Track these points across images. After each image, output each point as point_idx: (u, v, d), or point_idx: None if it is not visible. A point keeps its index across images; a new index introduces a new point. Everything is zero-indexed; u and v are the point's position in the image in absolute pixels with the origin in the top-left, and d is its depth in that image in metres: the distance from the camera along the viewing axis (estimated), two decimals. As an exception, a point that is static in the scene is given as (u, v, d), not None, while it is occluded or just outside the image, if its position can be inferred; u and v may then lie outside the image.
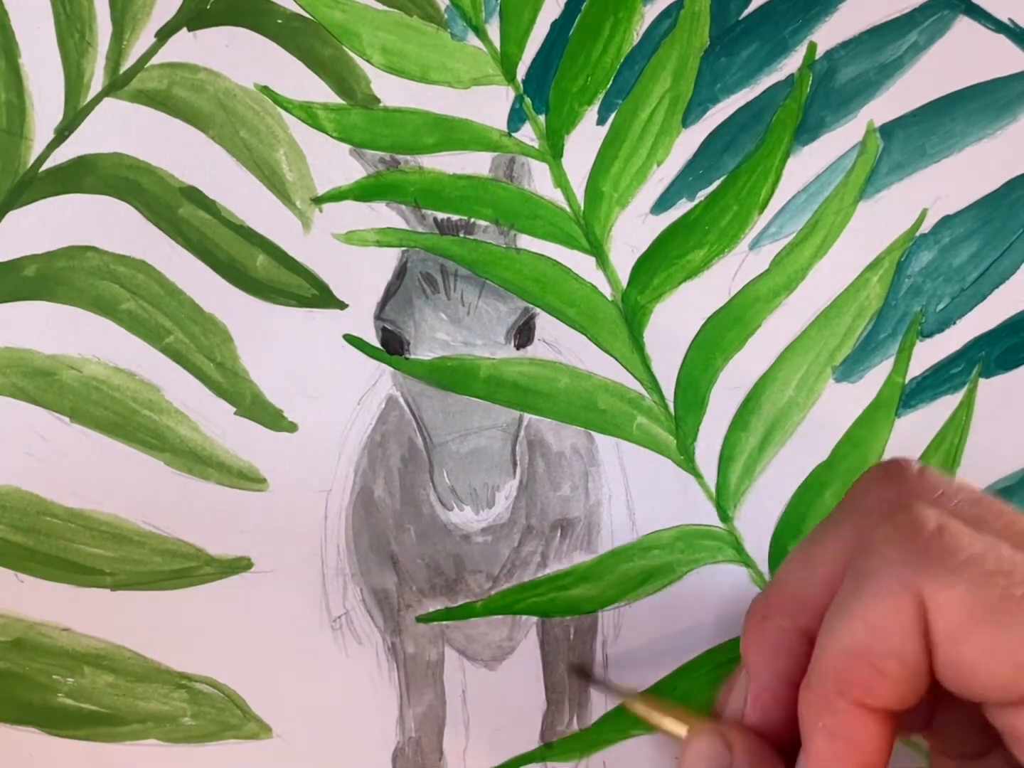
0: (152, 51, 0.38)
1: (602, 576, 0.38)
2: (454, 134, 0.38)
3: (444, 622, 0.38)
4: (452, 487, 0.37)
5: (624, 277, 0.38)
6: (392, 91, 0.38)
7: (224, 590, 0.37)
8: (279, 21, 0.38)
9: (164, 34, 0.38)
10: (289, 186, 0.38)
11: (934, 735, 0.30)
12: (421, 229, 0.38)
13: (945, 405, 0.39)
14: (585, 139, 0.38)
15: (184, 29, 0.38)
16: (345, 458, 0.38)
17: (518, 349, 0.38)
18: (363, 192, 0.38)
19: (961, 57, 0.39)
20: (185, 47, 0.38)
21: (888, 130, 0.39)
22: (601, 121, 0.39)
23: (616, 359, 0.38)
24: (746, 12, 0.39)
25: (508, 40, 0.38)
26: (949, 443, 0.39)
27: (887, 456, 0.38)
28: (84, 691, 0.36)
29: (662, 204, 0.39)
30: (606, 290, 0.38)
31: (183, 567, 0.37)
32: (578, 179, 0.38)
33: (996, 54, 0.40)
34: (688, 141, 0.39)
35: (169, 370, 0.37)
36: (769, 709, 0.28)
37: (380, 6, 0.38)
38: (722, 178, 0.39)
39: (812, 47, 0.39)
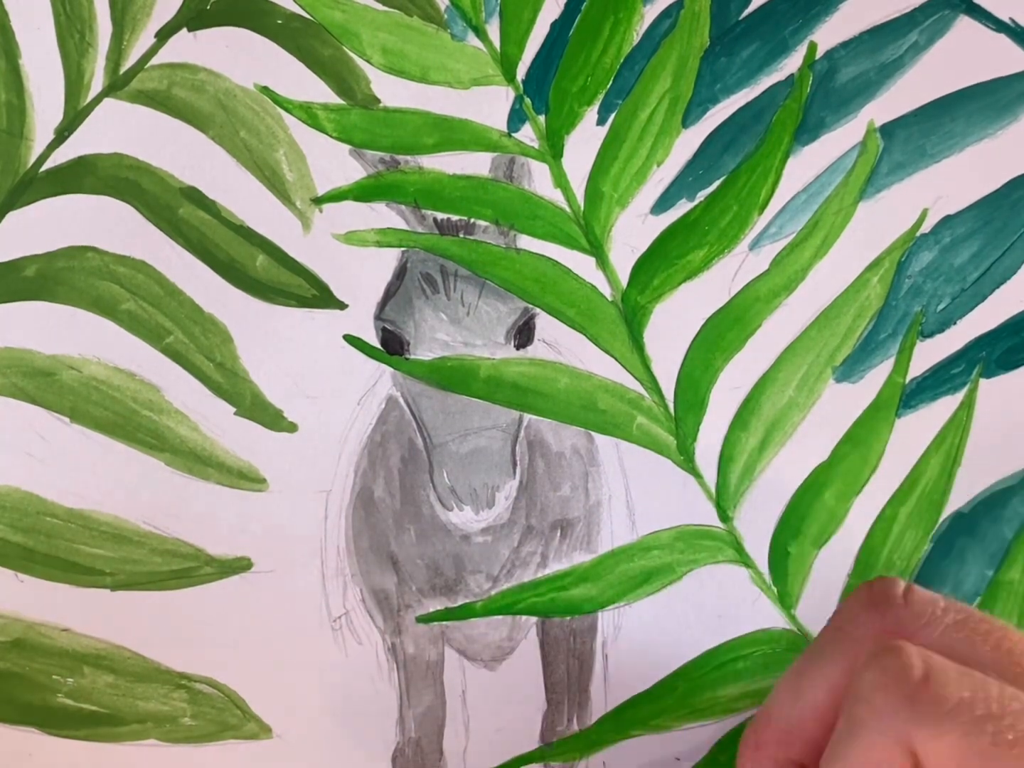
0: (152, 51, 0.38)
1: (602, 576, 0.38)
2: (454, 134, 0.38)
3: (444, 622, 0.38)
4: (452, 487, 0.37)
5: (624, 277, 0.38)
6: (392, 91, 0.38)
7: (224, 590, 0.37)
8: (279, 21, 0.38)
9: (164, 34, 0.38)
10: (289, 186, 0.38)
11: None
12: (421, 229, 0.38)
13: (945, 405, 0.39)
14: (585, 139, 0.38)
15: (184, 29, 0.38)
16: (345, 458, 0.38)
17: (518, 349, 0.38)
18: (363, 192, 0.38)
19: (962, 57, 0.39)
20: (185, 47, 0.38)
21: (888, 130, 0.39)
22: (601, 121, 0.39)
23: (616, 359, 0.38)
24: (746, 12, 0.39)
25: (508, 40, 0.38)
26: (949, 443, 0.39)
27: (887, 456, 0.38)
28: (84, 691, 0.36)
29: (662, 204, 0.39)
30: (606, 290, 0.38)
31: (183, 567, 0.37)
32: (578, 179, 0.38)
33: (997, 54, 0.40)
34: (688, 141, 0.39)
35: (169, 370, 0.37)
36: None
37: (380, 6, 0.38)
38: (722, 178, 0.39)
39: (812, 47, 0.39)
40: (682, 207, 0.39)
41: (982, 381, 0.39)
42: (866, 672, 0.26)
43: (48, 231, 0.37)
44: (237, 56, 0.38)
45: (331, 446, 0.37)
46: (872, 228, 0.39)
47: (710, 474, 0.38)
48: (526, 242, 0.38)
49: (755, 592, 0.38)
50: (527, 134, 0.38)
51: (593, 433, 0.38)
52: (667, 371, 0.38)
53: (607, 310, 0.38)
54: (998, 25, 0.40)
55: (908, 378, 0.39)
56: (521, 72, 0.38)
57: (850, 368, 0.39)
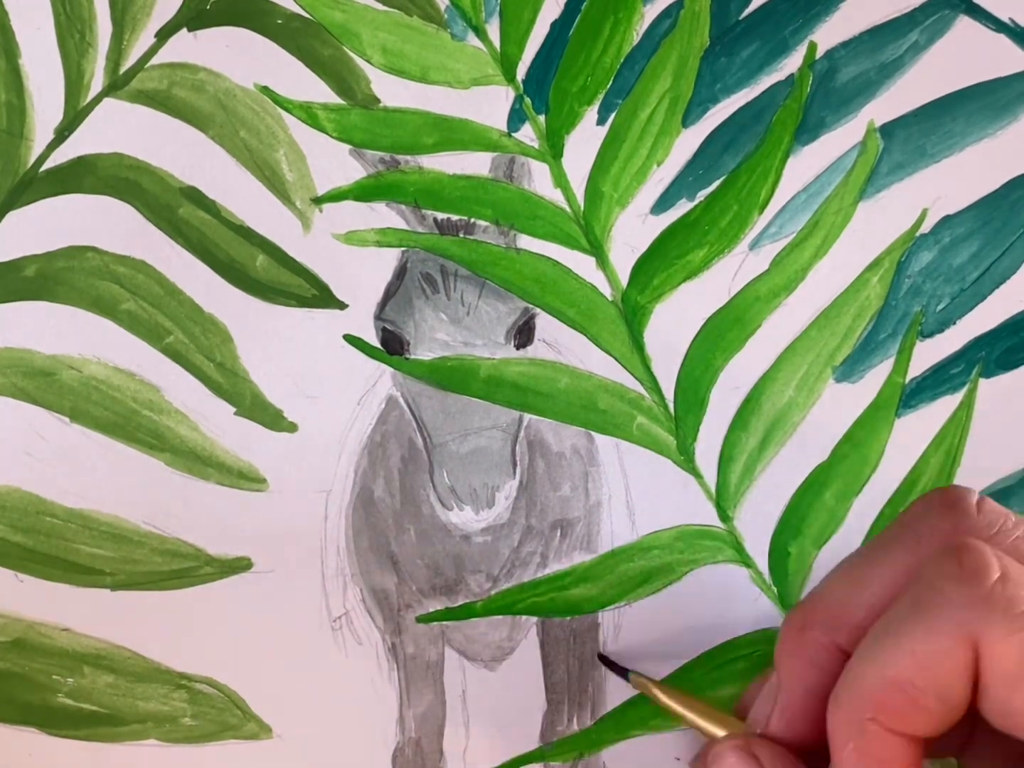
0: (152, 51, 0.38)
1: (602, 576, 0.38)
2: (454, 134, 0.38)
3: (444, 622, 0.38)
4: (452, 487, 0.37)
5: (624, 277, 0.38)
6: (392, 91, 0.38)
7: (224, 590, 0.37)
8: (279, 21, 0.38)
9: (164, 34, 0.38)
10: (289, 186, 0.38)
11: (967, 758, 0.30)
12: (421, 229, 0.38)
13: (945, 405, 0.39)
14: (585, 139, 0.38)
15: (184, 29, 0.38)
16: (345, 458, 0.38)
17: (518, 349, 0.38)
18: (363, 192, 0.38)
19: (961, 57, 0.39)
20: (185, 47, 0.38)
21: (888, 130, 0.39)
22: (601, 121, 0.39)
23: (616, 359, 0.38)
24: (746, 12, 0.39)
25: (508, 40, 0.38)
26: (949, 443, 0.39)
27: (887, 456, 0.38)
28: (84, 691, 0.36)
29: (662, 204, 0.39)
30: (606, 290, 0.38)
31: (183, 567, 0.37)
32: (578, 179, 0.38)
33: (997, 54, 0.40)
34: (688, 141, 0.39)
35: (169, 370, 0.37)
36: (796, 720, 0.28)
37: (380, 6, 0.38)
38: (722, 178, 0.39)
39: (812, 47, 0.39)
40: (682, 207, 0.39)
41: (981, 381, 0.39)
42: (939, 563, 0.25)
43: (48, 231, 0.37)
44: (237, 56, 0.38)
45: (331, 446, 0.37)
46: (872, 228, 0.39)
47: (710, 474, 0.38)
48: (526, 242, 0.38)
49: (755, 592, 0.38)
50: (527, 134, 0.38)
51: (593, 433, 0.38)
52: (667, 371, 0.38)
53: (607, 310, 0.38)
54: (998, 25, 0.40)
55: (908, 378, 0.39)
56: (521, 72, 0.38)
57: (850, 368, 0.39)
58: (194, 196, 0.37)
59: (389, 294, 0.38)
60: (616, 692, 0.38)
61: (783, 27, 0.39)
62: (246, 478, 0.37)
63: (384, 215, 0.38)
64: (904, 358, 0.39)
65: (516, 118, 0.38)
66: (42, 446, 0.37)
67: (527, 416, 0.38)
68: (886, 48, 0.39)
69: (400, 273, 0.38)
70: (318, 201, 0.38)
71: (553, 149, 0.38)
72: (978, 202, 0.39)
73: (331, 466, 0.37)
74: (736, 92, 0.39)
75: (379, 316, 0.38)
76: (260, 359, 0.37)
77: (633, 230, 0.38)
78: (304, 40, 0.38)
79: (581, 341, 0.38)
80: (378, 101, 0.38)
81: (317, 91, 0.38)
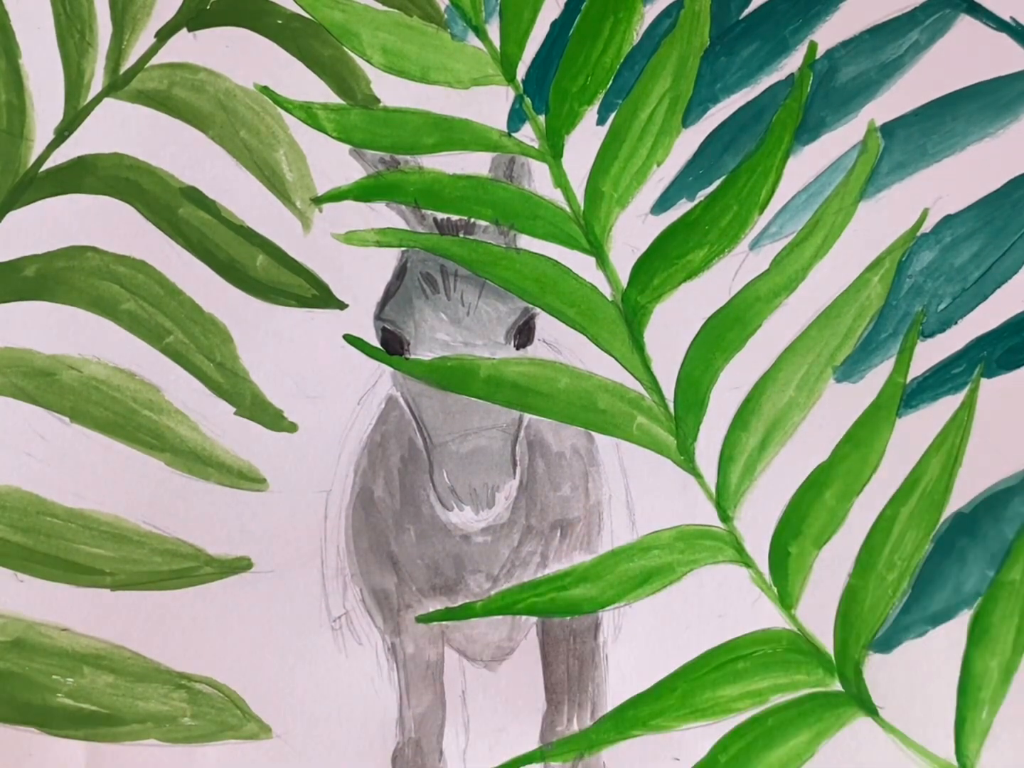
0: (152, 51, 0.38)
1: (602, 576, 0.38)
2: (454, 134, 0.38)
3: (444, 622, 0.38)
4: (452, 487, 0.37)
5: (624, 277, 0.38)
6: (392, 91, 0.38)
7: (224, 590, 0.37)
8: (279, 21, 0.38)
9: (164, 34, 0.38)
10: (289, 186, 0.38)
11: None
12: (421, 229, 0.38)
13: (946, 405, 0.39)
14: (585, 139, 0.38)
15: (184, 29, 0.38)
16: (345, 458, 0.38)
17: (518, 349, 0.38)
18: (363, 192, 0.38)
19: (962, 56, 0.39)
20: (185, 47, 0.38)
21: (889, 129, 0.39)
22: (601, 121, 0.38)
23: (616, 359, 0.38)
24: (746, 12, 0.39)
25: (508, 40, 0.38)
26: (950, 444, 0.38)
27: (888, 456, 0.38)
28: (84, 691, 0.36)
29: (662, 204, 0.38)
30: (606, 290, 0.38)
31: (183, 567, 0.37)
32: (578, 179, 0.38)
33: (997, 53, 0.39)
34: (688, 141, 0.39)
35: (169, 370, 0.37)
36: None
37: (380, 6, 0.38)
38: (722, 178, 0.38)
39: (813, 46, 0.39)
40: (682, 207, 0.39)
41: (983, 381, 0.39)
42: None
43: (48, 231, 0.37)
44: (237, 56, 0.38)
45: (331, 446, 0.38)
46: (873, 228, 0.39)
47: (710, 474, 0.38)
48: (526, 242, 0.38)
49: (755, 592, 0.38)
50: (527, 134, 0.38)
51: (593, 433, 0.38)
52: (667, 371, 0.38)
53: (607, 310, 0.38)
54: (999, 24, 0.39)
55: (909, 378, 0.39)
56: (521, 72, 0.38)
57: (850, 368, 0.39)
58: (194, 196, 0.38)
59: (389, 294, 0.38)
60: (616, 692, 0.38)
61: (783, 27, 0.39)
62: (246, 478, 0.37)
63: (384, 215, 0.38)
64: (905, 358, 0.39)
65: (516, 118, 0.38)
66: (42, 446, 0.37)
67: (527, 416, 0.38)
68: (887, 47, 0.39)
69: (400, 273, 0.38)
70: (318, 201, 0.38)
71: (553, 149, 0.38)
72: (979, 201, 0.39)
73: (331, 466, 0.37)
74: (736, 92, 0.39)
75: (379, 316, 0.38)
76: (260, 359, 0.37)
77: (633, 230, 0.38)
78: (304, 40, 0.38)
79: (581, 341, 0.38)
80: (378, 101, 0.38)
81: (317, 91, 0.38)
